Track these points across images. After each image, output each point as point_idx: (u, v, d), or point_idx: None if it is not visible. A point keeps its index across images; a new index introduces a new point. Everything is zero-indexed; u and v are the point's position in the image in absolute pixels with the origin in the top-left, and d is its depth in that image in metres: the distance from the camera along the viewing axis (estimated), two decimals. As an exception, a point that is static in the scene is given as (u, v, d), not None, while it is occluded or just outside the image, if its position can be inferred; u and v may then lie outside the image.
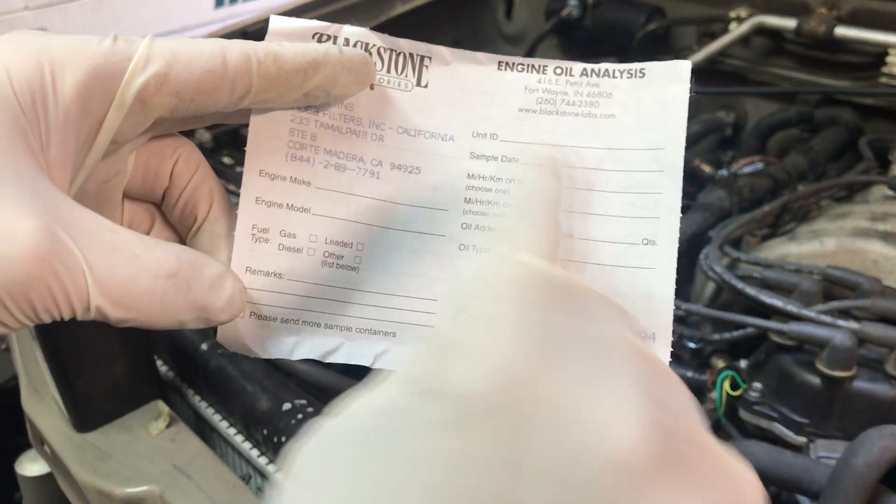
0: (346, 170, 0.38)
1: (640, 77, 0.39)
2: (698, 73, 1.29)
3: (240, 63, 0.33)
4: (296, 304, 0.37)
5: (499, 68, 0.40)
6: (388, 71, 0.39)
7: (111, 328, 0.55)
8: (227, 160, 1.15)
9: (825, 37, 1.19)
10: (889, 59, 1.15)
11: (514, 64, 0.40)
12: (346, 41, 0.38)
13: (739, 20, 1.32)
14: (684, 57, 1.33)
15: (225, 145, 1.20)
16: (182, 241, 0.39)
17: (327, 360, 0.37)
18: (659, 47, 1.44)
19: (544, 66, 0.40)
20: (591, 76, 0.40)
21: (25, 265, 0.27)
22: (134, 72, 0.32)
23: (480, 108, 0.40)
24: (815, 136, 1.23)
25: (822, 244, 0.93)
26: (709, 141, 1.38)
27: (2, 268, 0.27)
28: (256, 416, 0.74)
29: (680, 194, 0.37)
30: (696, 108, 1.37)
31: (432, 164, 0.39)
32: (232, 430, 0.80)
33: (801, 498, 0.73)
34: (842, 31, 1.18)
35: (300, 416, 0.72)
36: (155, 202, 0.39)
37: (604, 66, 0.39)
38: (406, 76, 0.39)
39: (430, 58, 0.39)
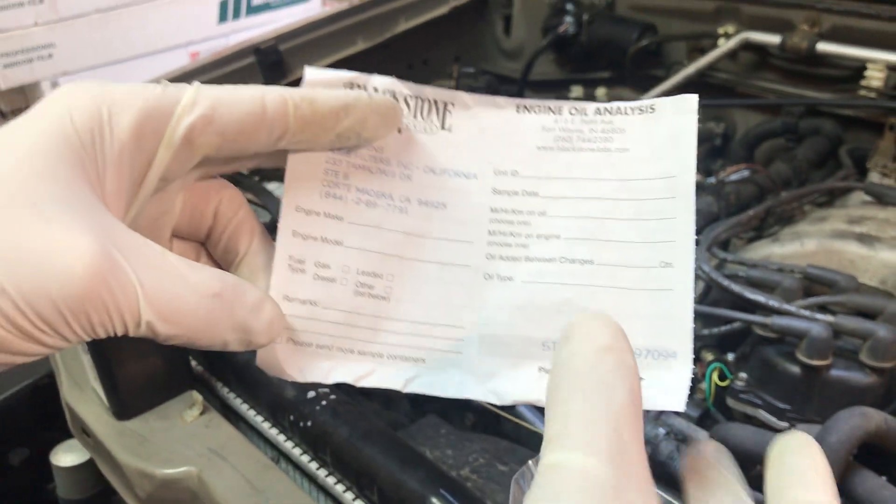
0: (376, 206, 0.40)
1: (651, 112, 0.40)
2: (689, 87, 1.36)
3: (278, 106, 0.35)
4: (330, 331, 0.39)
5: (517, 111, 0.42)
6: (415, 116, 0.41)
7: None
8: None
9: (807, 52, 1.23)
10: (867, 72, 1.20)
11: (531, 106, 0.42)
12: (375, 89, 0.39)
13: (727, 36, 1.35)
14: (675, 71, 1.39)
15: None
16: None
17: (360, 385, 0.39)
18: (651, 62, 1.47)
19: (560, 108, 0.41)
20: (605, 114, 0.41)
21: (84, 281, 0.29)
22: (182, 113, 0.34)
23: (501, 147, 0.41)
24: (799, 146, 1.27)
25: (802, 245, 0.97)
26: (700, 150, 1.42)
27: (63, 283, 0.29)
28: (283, 404, 0.78)
29: (693, 218, 0.38)
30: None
31: (457, 200, 0.41)
32: (259, 418, 0.83)
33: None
34: (823, 46, 1.22)
35: (324, 402, 0.75)
36: (200, 241, 0.41)
37: (616, 104, 0.41)
38: (431, 121, 0.41)
39: (452, 103, 0.41)
